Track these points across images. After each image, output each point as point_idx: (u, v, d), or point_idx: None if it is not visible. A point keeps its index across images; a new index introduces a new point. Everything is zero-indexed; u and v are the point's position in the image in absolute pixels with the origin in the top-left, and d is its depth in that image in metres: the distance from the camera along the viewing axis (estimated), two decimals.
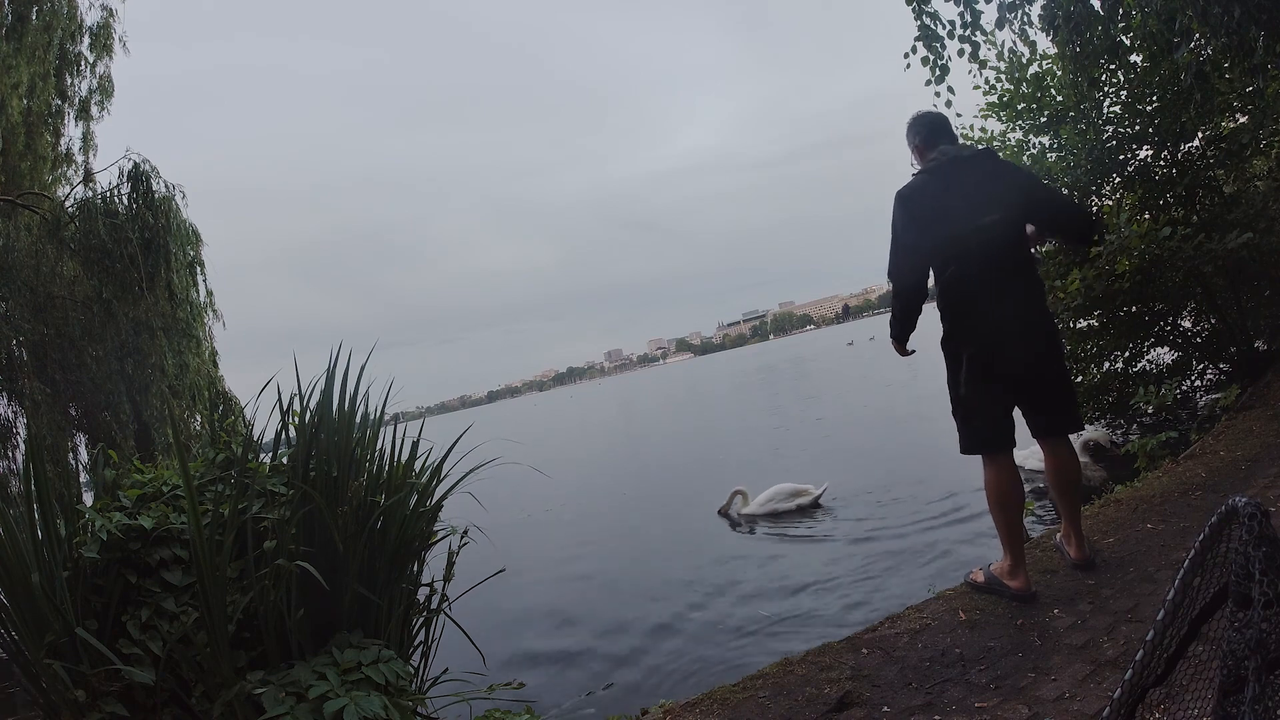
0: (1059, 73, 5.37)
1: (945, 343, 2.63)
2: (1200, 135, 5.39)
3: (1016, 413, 2.62)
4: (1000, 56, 5.41)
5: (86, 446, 7.10)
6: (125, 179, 6.89)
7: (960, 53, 4.59)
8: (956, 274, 2.53)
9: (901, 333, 2.74)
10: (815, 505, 6.84)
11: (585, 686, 3.86)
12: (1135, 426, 6.12)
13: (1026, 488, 3.18)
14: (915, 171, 2.69)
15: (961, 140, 5.23)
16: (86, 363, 6.71)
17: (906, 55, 4.60)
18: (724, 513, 7.33)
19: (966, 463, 2.79)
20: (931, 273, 2.64)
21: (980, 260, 2.50)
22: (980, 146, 2.72)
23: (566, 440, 23.13)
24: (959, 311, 2.56)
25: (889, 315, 2.78)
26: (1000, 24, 4.47)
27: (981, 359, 2.51)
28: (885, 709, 2.02)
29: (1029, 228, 2.65)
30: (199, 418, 7.68)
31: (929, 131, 2.71)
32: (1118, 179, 5.66)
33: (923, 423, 9.55)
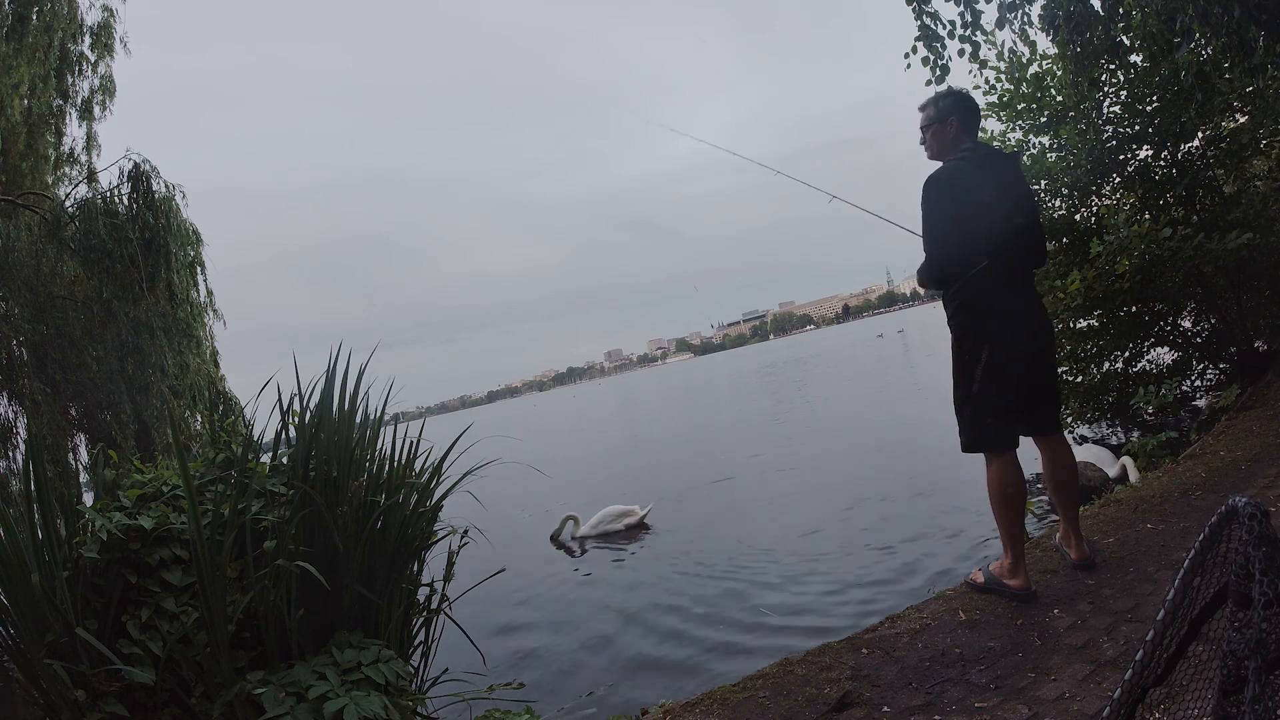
0: (1059, 73, 5.37)
1: (961, 340, 2.57)
2: (1200, 135, 5.40)
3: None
4: (1000, 56, 5.41)
5: (86, 446, 7.08)
6: (125, 179, 6.88)
7: (960, 53, 4.58)
8: (988, 269, 2.48)
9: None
10: (642, 525, 7.25)
11: (585, 686, 3.86)
12: (1135, 427, 6.13)
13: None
14: (954, 156, 2.59)
15: None
16: (87, 363, 6.70)
17: (907, 55, 4.59)
18: (555, 538, 7.55)
19: (964, 463, 2.79)
20: (949, 266, 2.57)
21: (1010, 259, 2.51)
22: (1007, 150, 2.78)
23: (567, 440, 23.13)
24: (982, 308, 2.52)
25: (924, 270, 2.63)
26: (1000, 24, 4.47)
27: (1000, 357, 2.49)
28: (885, 709, 2.02)
29: None
30: (199, 418, 7.67)
31: (970, 115, 2.65)
32: (1118, 179, 5.66)
33: (922, 424, 9.56)
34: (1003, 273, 2.50)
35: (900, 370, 21.27)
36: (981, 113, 5.73)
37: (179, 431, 7.16)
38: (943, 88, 2.78)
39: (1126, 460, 4.81)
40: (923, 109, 2.70)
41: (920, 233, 2.62)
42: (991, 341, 2.50)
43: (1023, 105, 5.60)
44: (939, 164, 2.64)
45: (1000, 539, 2.61)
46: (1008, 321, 2.51)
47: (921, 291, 2.78)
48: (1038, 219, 2.71)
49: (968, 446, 2.61)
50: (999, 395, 2.51)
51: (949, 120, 2.63)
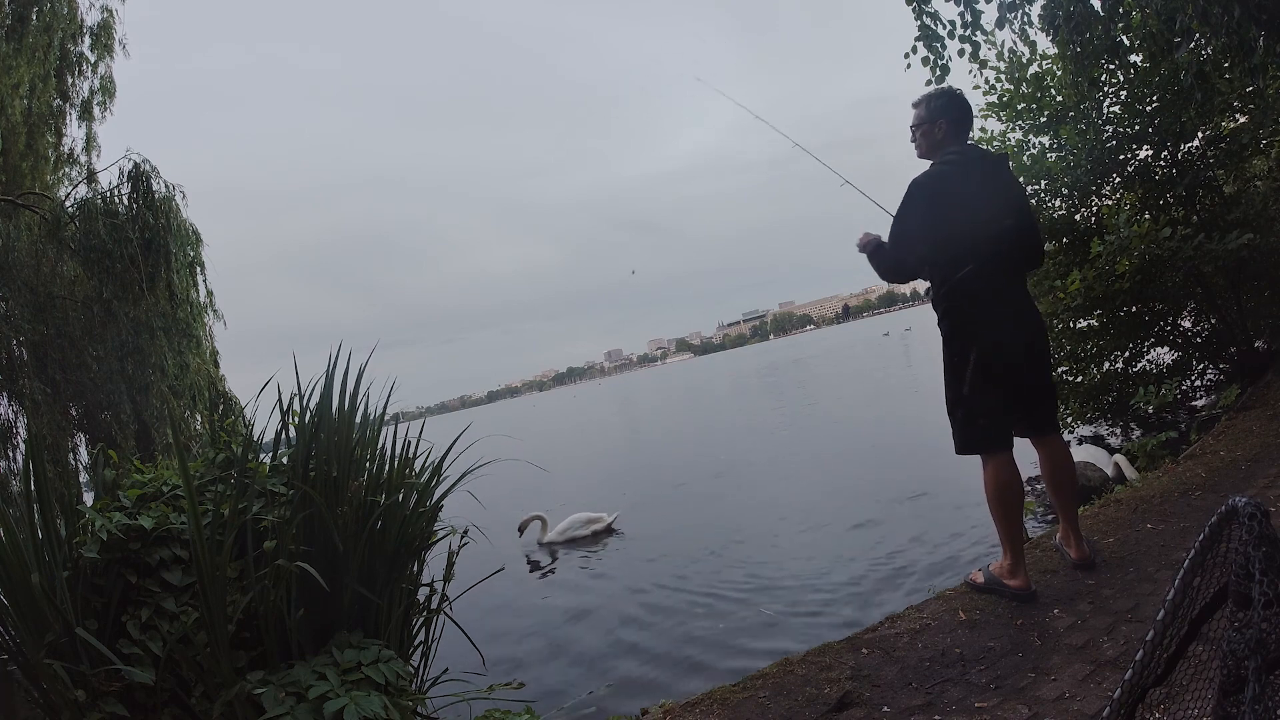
0: (1059, 73, 5.37)
1: (950, 342, 2.59)
2: (1200, 135, 5.40)
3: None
4: (1000, 56, 5.41)
5: (86, 446, 7.08)
6: (125, 179, 6.88)
7: (960, 53, 4.58)
8: (973, 272, 2.49)
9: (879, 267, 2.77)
10: (609, 531, 7.40)
11: (585, 686, 3.86)
12: (1135, 427, 6.13)
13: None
14: (939, 160, 2.61)
15: None
16: (87, 363, 6.70)
17: (907, 55, 4.59)
18: (520, 531, 7.66)
19: (963, 463, 2.79)
20: (935, 269, 2.59)
21: (997, 261, 2.51)
22: (994, 151, 2.83)
23: (567, 440, 23.12)
24: (970, 312, 2.53)
25: (878, 259, 2.75)
26: (1000, 24, 4.47)
27: (989, 359, 2.50)
28: (885, 709, 2.02)
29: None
30: (199, 418, 7.68)
31: (961, 117, 2.64)
32: (1118, 179, 5.66)
33: (922, 425, 9.55)
34: (991, 275, 2.50)
35: (901, 371, 21.27)
36: (981, 113, 5.77)
37: (179, 431, 7.17)
38: (940, 87, 2.78)
39: (1119, 459, 4.82)
40: (915, 106, 2.70)
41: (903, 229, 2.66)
42: (979, 344, 2.51)
43: (1023, 105, 5.60)
44: (929, 163, 2.66)
45: (999, 539, 2.61)
46: (996, 323, 2.51)
47: (921, 291, 2.80)
48: (1031, 220, 2.69)
49: (961, 449, 2.62)
50: (991, 397, 2.51)
51: (938, 122, 2.63)
